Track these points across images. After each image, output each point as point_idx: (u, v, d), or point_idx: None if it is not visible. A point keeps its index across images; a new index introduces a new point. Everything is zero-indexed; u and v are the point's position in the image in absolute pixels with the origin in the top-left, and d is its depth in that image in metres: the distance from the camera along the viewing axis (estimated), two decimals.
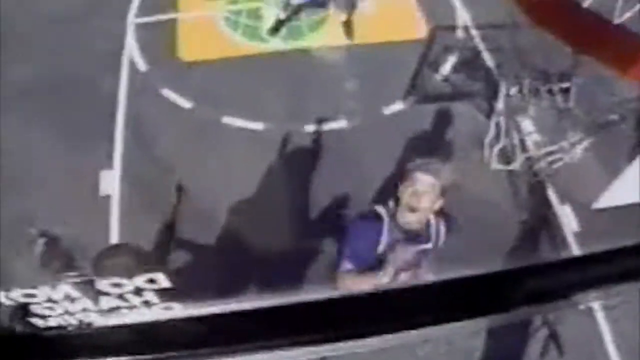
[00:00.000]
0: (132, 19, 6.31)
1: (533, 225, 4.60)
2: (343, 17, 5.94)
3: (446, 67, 5.65)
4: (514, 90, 4.79)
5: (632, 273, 0.99)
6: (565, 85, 4.67)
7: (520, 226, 4.58)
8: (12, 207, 4.25)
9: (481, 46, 5.96)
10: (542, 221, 4.65)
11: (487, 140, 4.92)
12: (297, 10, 6.05)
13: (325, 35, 6.04)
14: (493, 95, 5.21)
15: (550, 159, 4.72)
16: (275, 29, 5.99)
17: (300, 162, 5.01)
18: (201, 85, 5.54)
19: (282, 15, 6.02)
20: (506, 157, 4.86)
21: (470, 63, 5.73)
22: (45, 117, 5.30)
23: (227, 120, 5.24)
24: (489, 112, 5.13)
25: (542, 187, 4.76)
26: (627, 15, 3.95)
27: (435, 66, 5.69)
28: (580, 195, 4.52)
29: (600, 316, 4.07)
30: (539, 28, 3.93)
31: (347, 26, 5.97)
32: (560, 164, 4.67)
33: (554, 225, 4.64)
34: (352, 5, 5.96)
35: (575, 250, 4.47)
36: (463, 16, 6.26)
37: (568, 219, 4.63)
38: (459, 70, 5.65)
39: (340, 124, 5.23)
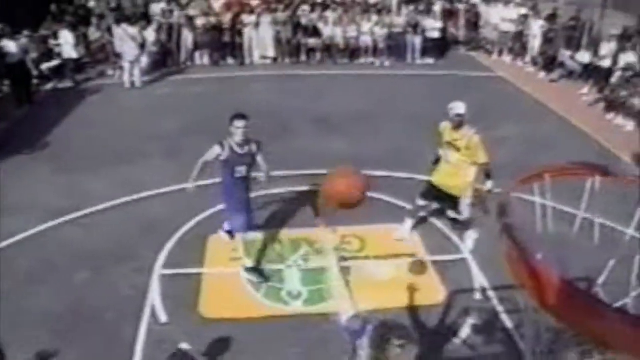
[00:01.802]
0: (158, 270, 6.56)
1: None
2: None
3: (465, 330, 5.65)
4: None
5: None
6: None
7: None
8: None
9: (499, 308, 6.04)
10: None
11: None
12: None
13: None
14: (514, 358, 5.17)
15: None
16: None
17: None
18: (219, 342, 5.50)
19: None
20: None
21: (489, 325, 5.76)
22: (61, 354, 5.27)
23: None
24: None
25: None
26: None
27: (455, 329, 5.71)
28: None
29: None
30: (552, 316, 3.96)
31: None
32: None
33: None
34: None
35: None
36: (480, 279, 6.48)
37: None
38: (478, 333, 5.63)
39: None
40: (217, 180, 6.34)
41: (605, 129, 11.16)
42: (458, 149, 6.68)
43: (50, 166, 9.05)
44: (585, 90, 13.24)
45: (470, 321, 5.72)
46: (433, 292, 6.34)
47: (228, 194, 6.23)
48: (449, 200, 7.06)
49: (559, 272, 3.39)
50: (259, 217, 7.57)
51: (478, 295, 6.27)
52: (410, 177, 8.70)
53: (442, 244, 7.25)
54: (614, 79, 12.41)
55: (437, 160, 7.04)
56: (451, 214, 7.38)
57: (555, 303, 3.39)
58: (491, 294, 6.27)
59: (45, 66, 13.91)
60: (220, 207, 6.82)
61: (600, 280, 4.54)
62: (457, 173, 6.77)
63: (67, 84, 13.83)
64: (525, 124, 10.96)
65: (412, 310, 5.93)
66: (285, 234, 7.31)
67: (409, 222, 7.27)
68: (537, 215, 4.39)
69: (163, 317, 5.83)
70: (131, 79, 13.55)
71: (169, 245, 6.99)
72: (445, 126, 6.78)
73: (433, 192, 7.05)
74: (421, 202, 7.17)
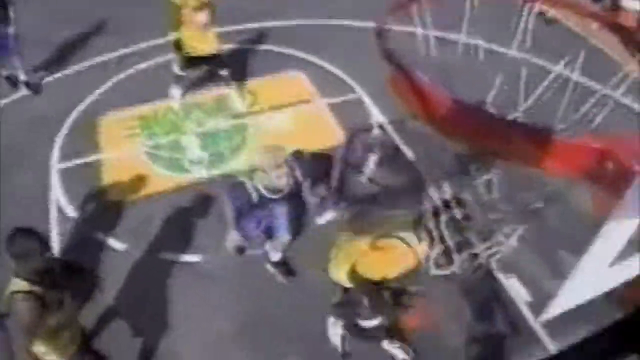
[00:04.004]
0: (55, 165, 6.31)
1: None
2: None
3: (369, 166, 5.84)
4: (437, 195, 4.70)
5: None
6: (486, 177, 4.76)
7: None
8: None
9: (399, 140, 6.30)
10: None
11: None
12: None
13: (246, 158, 6.20)
14: (420, 190, 5.28)
15: (487, 253, 4.57)
16: None
17: (244, 290, 4.98)
18: (132, 223, 5.54)
19: None
20: (443, 261, 4.59)
21: (391, 158, 5.97)
22: None
23: (163, 255, 5.22)
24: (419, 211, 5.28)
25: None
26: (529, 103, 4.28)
27: (359, 168, 5.89)
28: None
29: None
30: (446, 137, 4.04)
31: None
32: (498, 256, 4.66)
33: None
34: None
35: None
36: (376, 115, 6.70)
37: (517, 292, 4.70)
38: (382, 167, 5.84)
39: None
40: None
41: None
42: (206, 5, 6.34)
43: None
44: None
45: (373, 157, 5.92)
46: (331, 134, 6.52)
47: None
48: (206, 62, 6.87)
49: (448, 92, 3.47)
50: (147, 89, 7.38)
51: (376, 131, 6.46)
52: (300, 24, 8.56)
53: (335, 85, 7.31)
54: None
55: (177, 43, 6.58)
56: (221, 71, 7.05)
57: (448, 121, 3.50)
58: (389, 127, 6.50)
59: None
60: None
61: (489, 98, 4.73)
62: (208, 32, 6.50)
63: None
64: None
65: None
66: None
67: (176, 90, 7.08)
68: (419, 42, 4.35)
69: (70, 212, 5.73)
70: None
71: (60, 138, 6.71)
72: None
73: (192, 62, 6.76)
74: (180, 72, 6.91)
